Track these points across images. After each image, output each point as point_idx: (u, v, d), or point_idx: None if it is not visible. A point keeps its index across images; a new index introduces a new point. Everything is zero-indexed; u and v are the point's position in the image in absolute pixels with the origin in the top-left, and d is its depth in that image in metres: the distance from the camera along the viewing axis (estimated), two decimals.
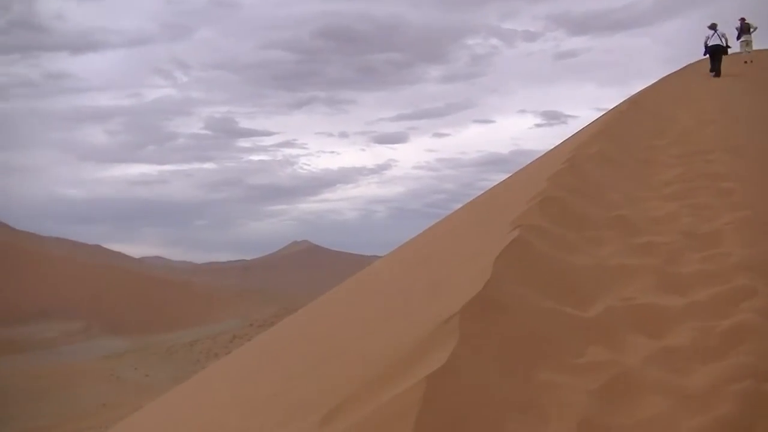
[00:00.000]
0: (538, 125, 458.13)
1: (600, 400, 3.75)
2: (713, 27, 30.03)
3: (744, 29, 32.12)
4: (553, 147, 15.19)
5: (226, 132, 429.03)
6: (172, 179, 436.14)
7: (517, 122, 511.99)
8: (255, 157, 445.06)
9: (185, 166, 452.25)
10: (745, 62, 31.65)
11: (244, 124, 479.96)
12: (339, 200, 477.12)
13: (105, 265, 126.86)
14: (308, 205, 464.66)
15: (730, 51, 30.70)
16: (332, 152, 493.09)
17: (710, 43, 29.79)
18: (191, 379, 11.36)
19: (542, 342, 4.26)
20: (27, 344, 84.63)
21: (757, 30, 32.43)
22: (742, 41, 32.17)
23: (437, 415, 3.31)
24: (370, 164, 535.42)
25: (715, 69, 29.61)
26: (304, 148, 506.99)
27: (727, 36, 30.44)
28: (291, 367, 6.03)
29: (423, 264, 6.06)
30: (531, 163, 15.13)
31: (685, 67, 37.49)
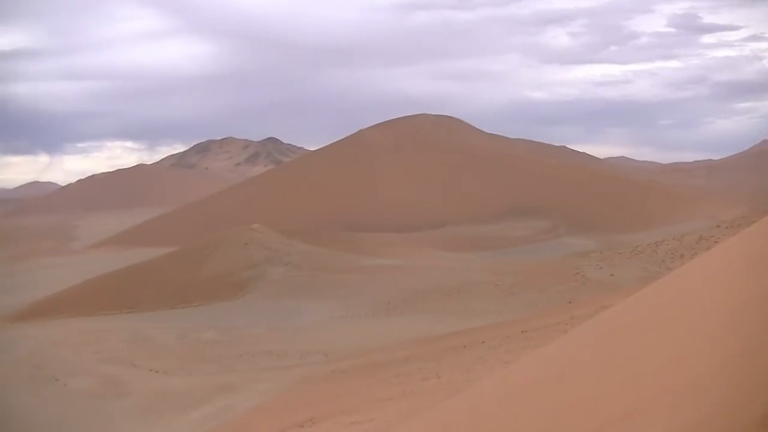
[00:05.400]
0: None
1: None
2: None
3: None
4: None
5: (690, 28, 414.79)
6: (635, 79, 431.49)
7: None
8: (720, 53, 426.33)
9: (648, 65, 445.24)
10: None
11: (708, 19, 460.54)
12: None
13: (571, 166, 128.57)
14: None
15: None
16: None
17: None
18: (661, 279, 11.03)
19: None
20: (495, 242, 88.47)
21: None
22: None
23: None
24: None
25: None
26: None
27: None
28: None
29: None
30: None
31: None
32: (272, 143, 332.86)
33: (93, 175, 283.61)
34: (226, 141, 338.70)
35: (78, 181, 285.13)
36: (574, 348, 8.34)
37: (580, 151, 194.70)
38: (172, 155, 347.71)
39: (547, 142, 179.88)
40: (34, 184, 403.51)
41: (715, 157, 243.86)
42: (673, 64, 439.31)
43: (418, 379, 24.28)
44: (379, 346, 37.42)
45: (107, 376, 37.27)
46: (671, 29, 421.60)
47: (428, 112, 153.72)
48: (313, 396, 27.54)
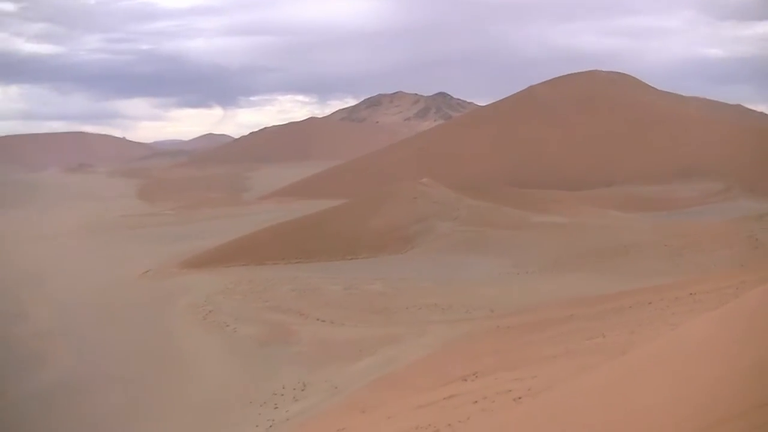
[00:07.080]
0: None
1: None
2: None
3: None
4: None
5: None
6: None
7: None
8: None
9: None
10: None
11: None
12: None
13: (746, 126, 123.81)
14: None
15: None
16: None
17: None
18: None
19: None
20: (665, 203, 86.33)
21: None
22: None
23: None
24: None
25: None
26: None
27: None
28: None
29: None
30: None
31: None
32: (442, 98, 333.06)
33: (265, 128, 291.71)
34: (396, 95, 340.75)
35: (250, 133, 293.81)
36: (746, 313, 8.24)
37: (756, 110, 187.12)
38: (343, 109, 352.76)
39: (722, 101, 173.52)
40: (208, 136, 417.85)
41: None
42: None
43: (582, 338, 24.22)
44: (545, 303, 37.34)
45: (275, 323, 38.51)
46: None
47: (600, 69, 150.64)
48: (477, 351, 27.82)
